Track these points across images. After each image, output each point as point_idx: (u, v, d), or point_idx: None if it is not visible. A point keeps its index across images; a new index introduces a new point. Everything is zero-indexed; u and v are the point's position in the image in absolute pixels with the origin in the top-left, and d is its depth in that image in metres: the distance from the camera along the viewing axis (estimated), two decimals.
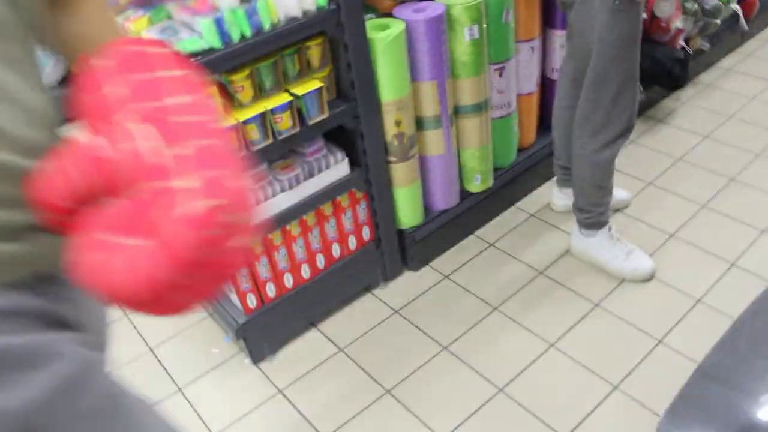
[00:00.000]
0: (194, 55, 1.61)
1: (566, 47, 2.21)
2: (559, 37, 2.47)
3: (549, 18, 2.45)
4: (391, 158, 2.11)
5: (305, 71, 1.88)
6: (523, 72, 2.46)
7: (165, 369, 2.20)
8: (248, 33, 1.66)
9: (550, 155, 2.46)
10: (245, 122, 1.72)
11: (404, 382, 1.99)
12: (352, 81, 1.89)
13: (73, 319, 0.76)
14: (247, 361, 2.14)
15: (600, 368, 1.93)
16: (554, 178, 2.53)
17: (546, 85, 2.60)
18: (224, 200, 0.60)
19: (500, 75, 2.33)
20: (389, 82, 1.97)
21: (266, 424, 1.95)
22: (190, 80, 0.67)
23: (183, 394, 2.10)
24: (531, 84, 2.51)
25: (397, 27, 1.94)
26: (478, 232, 2.51)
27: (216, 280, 0.66)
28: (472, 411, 1.88)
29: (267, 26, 1.69)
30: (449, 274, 2.34)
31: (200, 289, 0.65)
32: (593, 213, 2.19)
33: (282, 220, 1.91)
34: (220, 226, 0.60)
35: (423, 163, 2.24)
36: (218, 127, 0.65)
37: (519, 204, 2.63)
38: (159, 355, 2.25)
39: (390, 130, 2.05)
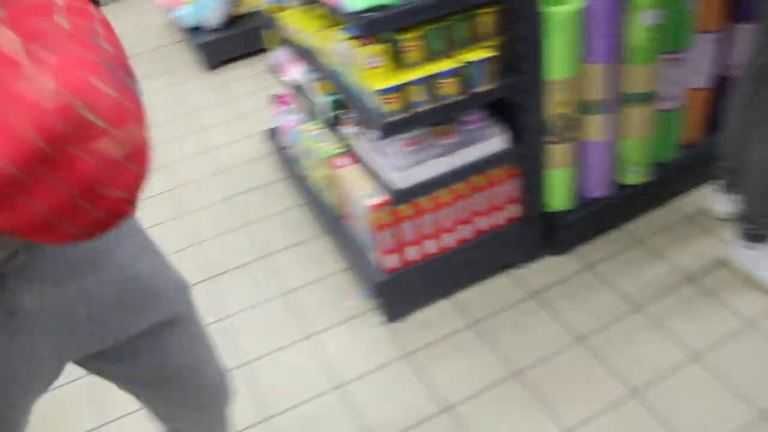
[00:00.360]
0: (366, 11, 1.63)
1: (755, 40, 2.05)
2: (743, 31, 2.30)
3: (735, 10, 2.29)
4: (551, 138, 2.06)
5: (475, 39, 1.85)
6: (698, 65, 2.31)
7: (296, 314, 2.28)
8: None
9: (714, 156, 2.31)
10: (410, 83, 1.72)
11: (532, 368, 1.96)
12: (522, 54, 1.85)
13: None
14: (379, 319, 2.18)
15: (746, 391, 1.81)
16: (717, 182, 2.38)
17: (722, 83, 2.44)
18: (81, 97, 0.54)
19: (673, 65, 2.21)
20: (559, 59, 1.91)
21: (390, 383, 1.98)
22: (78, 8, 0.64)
23: (311, 340, 2.17)
24: (704, 79, 2.36)
25: (574, 3, 1.88)
26: (628, 226, 2.41)
27: (66, 190, 0.58)
28: (600, 409, 1.82)
29: None
30: (593, 265, 2.26)
31: (48, 196, 0.57)
32: (760, 224, 2.05)
33: (434, 185, 1.91)
34: (71, 120, 0.54)
35: (581, 147, 2.17)
36: (102, 45, 0.61)
37: (675, 203, 2.50)
38: (292, 300, 2.34)
39: (553, 109, 2.00)
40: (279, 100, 2.85)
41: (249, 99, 3.76)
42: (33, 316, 0.88)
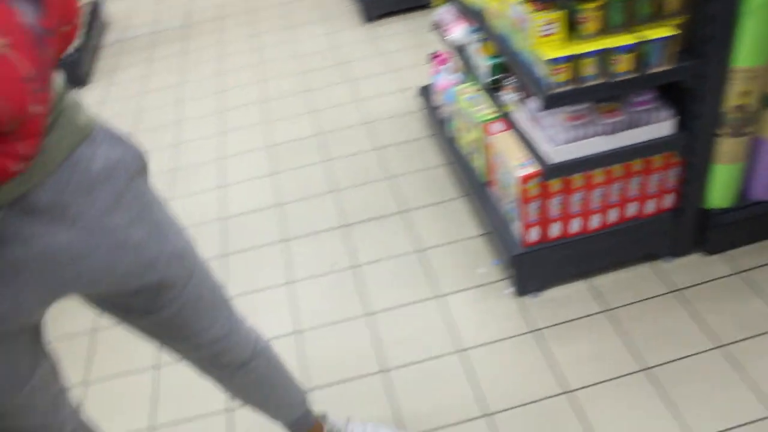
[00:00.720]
0: None
1: None
2: None
3: None
4: (724, 130, 1.92)
5: (659, 15, 1.74)
6: None
7: (427, 272, 2.29)
8: None
9: None
10: (582, 55, 1.65)
11: (665, 366, 1.87)
12: (708, 36, 1.73)
13: None
14: (511, 290, 2.15)
15: None
16: None
17: None
18: None
19: None
20: (750, 46, 1.76)
21: (514, 356, 1.96)
22: None
23: (439, 301, 2.17)
24: None
25: None
26: None
27: None
28: (735, 424, 1.71)
29: None
30: (745, 270, 2.12)
31: None
32: None
33: (589, 163, 1.84)
34: None
35: (755, 144, 2.01)
36: None
37: None
38: (425, 258, 2.35)
39: (732, 99, 1.86)
40: (436, 58, 2.82)
41: (404, 54, 3.75)
42: (17, 266, 0.97)
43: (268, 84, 3.73)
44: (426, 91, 3.02)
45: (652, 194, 2.03)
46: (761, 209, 2.12)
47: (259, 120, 3.41)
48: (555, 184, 1.92)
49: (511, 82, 2.04)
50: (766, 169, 2.06)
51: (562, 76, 1.66)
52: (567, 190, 1.93)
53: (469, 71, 2.33)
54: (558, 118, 1.82)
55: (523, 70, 1.78)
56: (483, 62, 2.15)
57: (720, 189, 2.06)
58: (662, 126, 1.85)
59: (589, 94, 1.71)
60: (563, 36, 1.69)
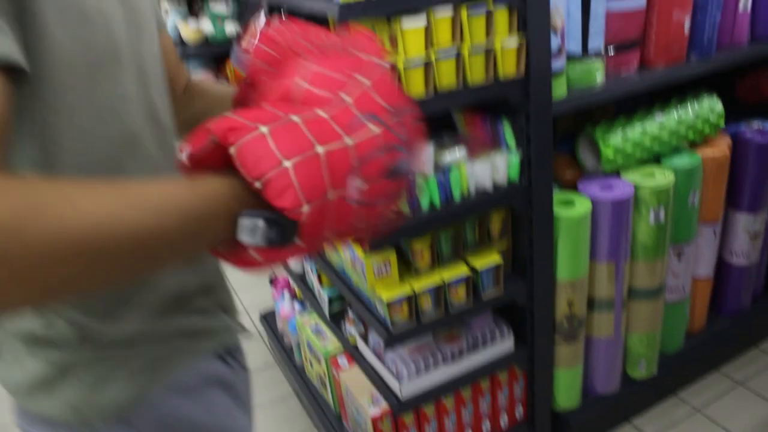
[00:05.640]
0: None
1: None
2: (743, 218, 2.30)
3: (733, 198, 2.30)
4: (558, 338, 1.98)
5: (484, 240, 1.82)
6: (702, 255, 2.30)
7: None
8: (438, 202, 1.63)
9: (721, 344, 2.25)
10: (419, 293, 1.66)
11: None
12: (531, 256, 1.82)
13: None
14: None
15: None
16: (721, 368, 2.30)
17: (722, 269, 2.42)
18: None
19: (679, 258, 2.18)
20: (568, 261, 1.88)
21: None
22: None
23: None
24: (708, 268, 2.34)
25: (582, 205, 1.87)
26: (635, 421, 2.30)
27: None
28: None
29: (457, 197, 1.66)
30: None
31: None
32: None
33: (438, 392, 1.81)
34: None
35: (588, 344, 2.10)
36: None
37: (682, 394, 2.40)
38: None
39: (561, 309, 1.94)
40: (276, 282, 2.74)
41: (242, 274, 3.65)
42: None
43: None
44: (269, 318, 2.89)
45: (503, 408, 2.02)
46: (604, 403, 2.19)
47: None
48: (408, 417, 1.86)
49: (352, 314, 2.01)
50: (602, 365, 2.14)
51: (402, 315, 1.66)
52: (420, 422, 1.88)
53: (311, 300, 2.27)
54: (402, 351, 1.79)
55: (362, 307, 1.76)
56: (323, 293, 2.12)
57: (565, 391, 2.10)
58: (502, 344, 1.88)
59: (429, 328, 1.71)
60: (397, 274, 1.70)
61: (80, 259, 0.49)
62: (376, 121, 0.62)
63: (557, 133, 2.05)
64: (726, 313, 2.49)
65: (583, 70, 1.80)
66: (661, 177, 1.97)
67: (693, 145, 2.13)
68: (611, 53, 1.86)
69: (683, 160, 2.05)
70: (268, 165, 0.56)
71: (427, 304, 1.68)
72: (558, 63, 1.70)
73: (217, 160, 0.60)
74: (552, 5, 1.60)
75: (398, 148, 0.63)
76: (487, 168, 1.68)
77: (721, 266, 2.42)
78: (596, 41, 1.79)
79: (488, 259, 1.74)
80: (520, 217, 1.79)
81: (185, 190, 0.56)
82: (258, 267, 0.62)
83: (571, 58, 1.78)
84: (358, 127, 0.61)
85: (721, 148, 2.14)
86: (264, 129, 0.57)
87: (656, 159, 2.07)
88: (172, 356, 0.84)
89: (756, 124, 2.26)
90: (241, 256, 0.61)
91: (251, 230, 0.57)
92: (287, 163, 0.56)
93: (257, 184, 0.56)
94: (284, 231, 0.57)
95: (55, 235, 0.47)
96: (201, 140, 0.59)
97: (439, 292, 1.68)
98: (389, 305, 1.62)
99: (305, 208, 0.56)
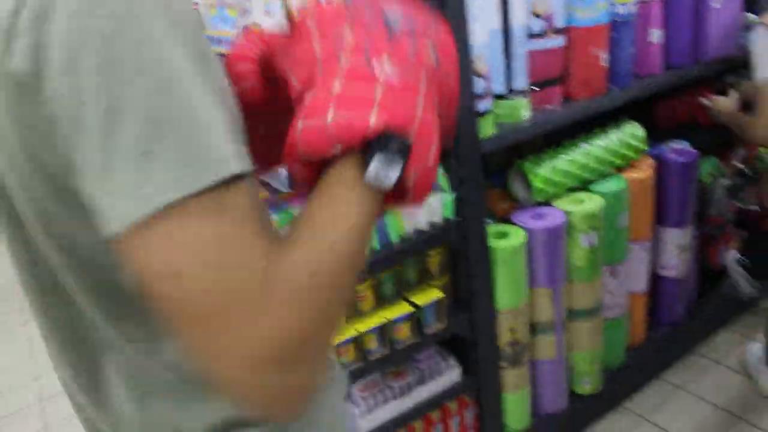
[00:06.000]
0: None
1: None
2: (671, 234, 2.42)
3: (661, 216, 2.41)
4: (503, 364, 2.06)
5: (424, 277, 1.88)
6: (636, 272, 2.41)
7: None
8: (376, 246, 1.69)
9: (660, 353, 2.35)
10: (364, 333, 1.71)
11: None
12: (471, 290, 1.89)
13: None
14: None
15: None
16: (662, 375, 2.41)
17: (656, 283, 2.53)
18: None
19: (613, 277, 2.28)
20: (507, 290, 1.95)
21: None
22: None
23: None
24: (642, 283, 2.45)
25: (517, 236, 1.94)
26: None
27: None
28: None
29: (395, 239, 1.72)
30: None
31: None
32: None
33: (390, 427, 1.86)
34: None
35: (533, 366, 2.17)
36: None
37: (628, 404, 2.50)
38: None
39: (504, 337, 2.01)
40: None
41: None
42: None
43: None
44: None
45: None
46: (553, 421, 2.26)
47: None
48: None
49: None
50: (548, 385, 2.22)
51: (349, 356, 1.70)
52: None
53: None
54: (352, 390, 1.84)
55: None
56: None
57: (515, 414, 2.17)
58: (449, 375, 1.95)
59: (376, 367, 1.76)
60: (343, 319, 1.75)
61: (352, 270, 0.64)
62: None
63: (490, 168, 2.13)
64: (663, 324, 2.60)
65: (509, 108, 1.89)
66: (590, 202, 2.07)
67: (619, 169, 2.24)
68: (536, 89, 1.95)
69: (610, 185, 2.15)
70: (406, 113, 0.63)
71: (372, 342, 1.73)
72: (485, 104, 1.78)
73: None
74: (475, 51, 1.68)
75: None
76: (423, 209, 1.75)
77: (655, 280, 2.53)
78: (520, 80, 1.88)
79: (430, 295, 1.81)
80: (458, 252, 1.86)
81: (351, 207, 0.63)
82: (416, 195, 0.67)
83: (498, 97, 1.87)
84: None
85: (645, 170, 2.25)
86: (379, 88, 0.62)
87: (585, 186, 2.16)
88: None
89: (676, 145, 2.38)
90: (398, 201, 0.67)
91: (382, 168, 0.61)
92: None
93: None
94: (398, 146, 0.62)
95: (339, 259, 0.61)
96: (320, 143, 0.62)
97: (384, 331, 1.73)
98: (336, 348, 1.67)
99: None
